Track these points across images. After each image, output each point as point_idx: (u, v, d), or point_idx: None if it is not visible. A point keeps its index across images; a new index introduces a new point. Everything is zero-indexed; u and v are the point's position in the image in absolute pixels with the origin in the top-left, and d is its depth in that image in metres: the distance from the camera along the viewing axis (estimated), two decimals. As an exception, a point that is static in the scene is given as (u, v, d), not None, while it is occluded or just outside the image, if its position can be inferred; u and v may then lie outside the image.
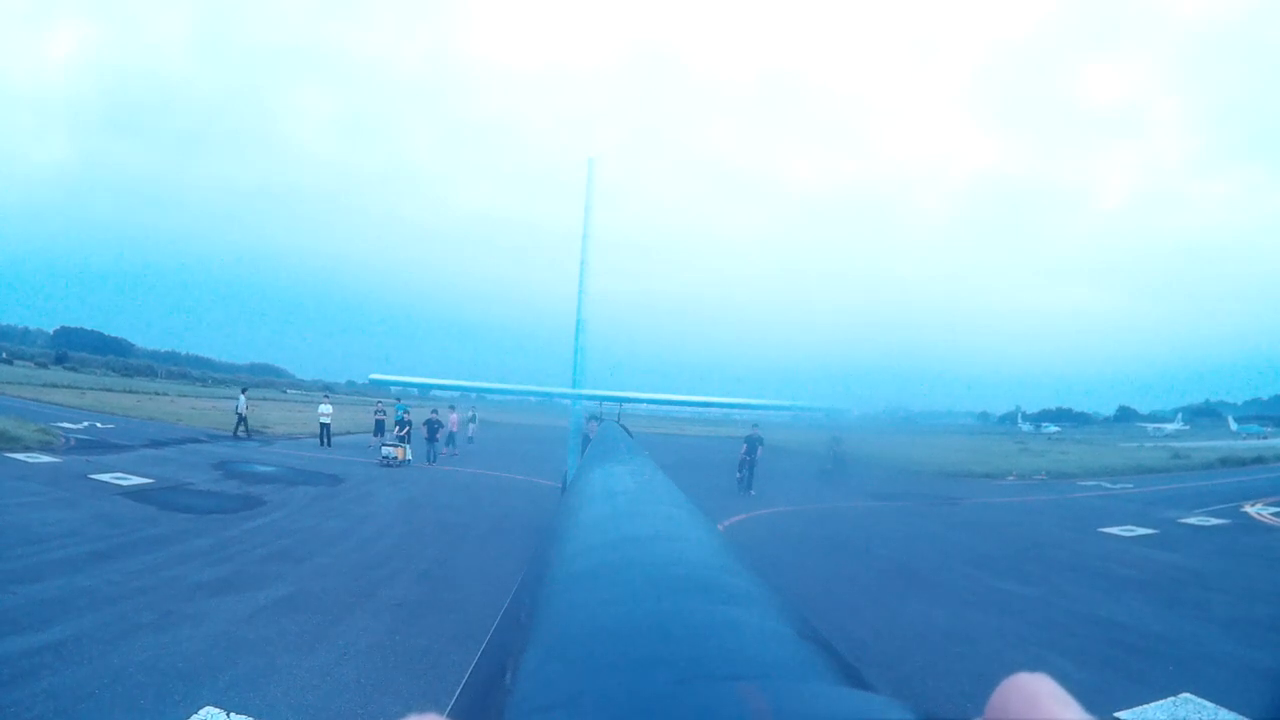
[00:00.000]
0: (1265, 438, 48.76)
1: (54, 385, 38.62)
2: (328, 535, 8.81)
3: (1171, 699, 4.81)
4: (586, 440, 8.51)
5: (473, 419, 26.43)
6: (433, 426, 18.46)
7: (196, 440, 19.28)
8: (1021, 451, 34.19)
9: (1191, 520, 13.69)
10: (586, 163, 11.95)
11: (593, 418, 10.09)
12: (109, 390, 41.54)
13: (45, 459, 13.05)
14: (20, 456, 12.93)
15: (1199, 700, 4.79)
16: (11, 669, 4.25)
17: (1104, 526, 12.76)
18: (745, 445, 16.27)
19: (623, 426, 8.37)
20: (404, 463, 17.16)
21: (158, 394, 43.25)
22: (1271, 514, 14.67)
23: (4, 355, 66.90)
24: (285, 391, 71.41)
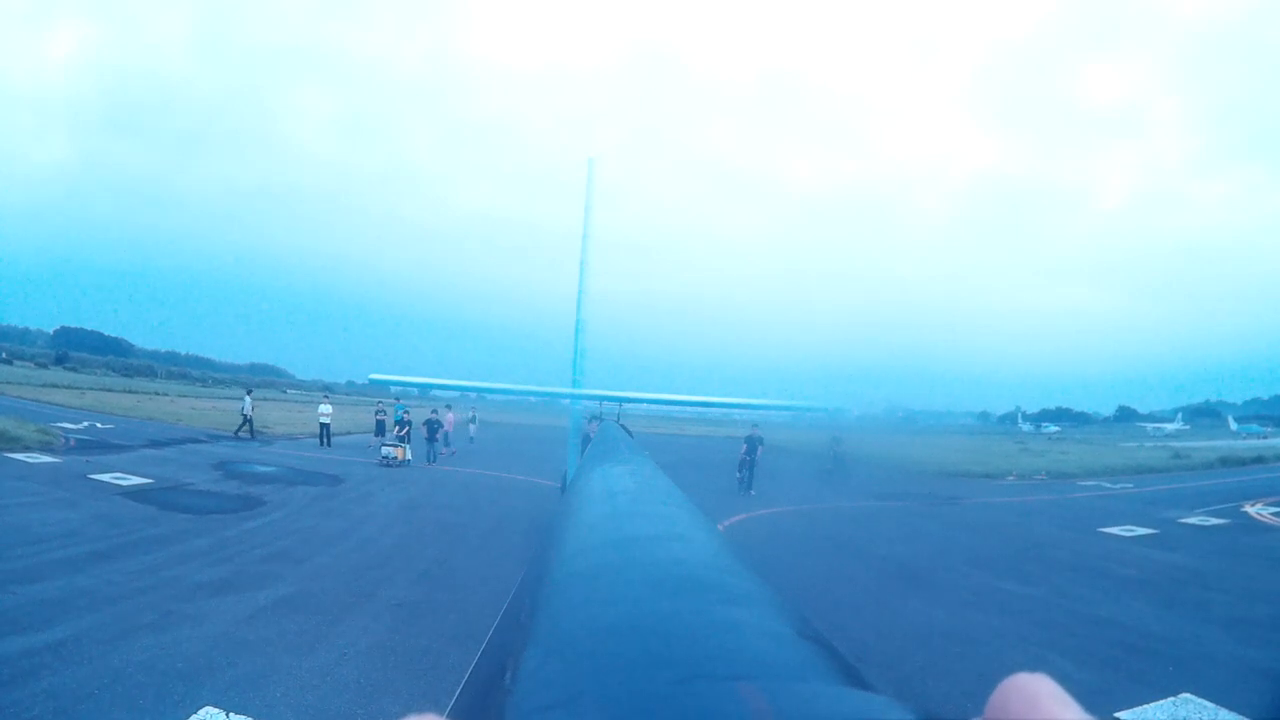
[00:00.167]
0: (1265, 437, 48.77)
1: (54, 385, 38.61)
2: (327, 535, 8.81)
3: (1171, 699, 4.81)
4: (587, 440, 8.51)
5: (473, 420, 26.44)
6: (432, 426, 18.46)
7: (196, 440, 19.28)
8: (1021, 451, 34.20)
9: (1191, 520, 13.69)
10: (586, 163, 11.95)
11: (594, 418, 10.08)
12: (109, 390, 41.53)
13: (45, 459, 13.05)
14: (20, 456, 12.92)
15: (1199, 700, 4.79)
16: (11, 669, 4.25)
17: (1104, 526, 12.76)
18: (745, 445, 16.27)
19: (622, 426, 8.37)
20: (404, 463, 17.16)
21: (157, 394, 43.25)
22: (1271, 514, 14.67)
23: (4, 355, 66.88)
24: (285, 391, 71.42)
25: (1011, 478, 23.08)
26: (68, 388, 38.27)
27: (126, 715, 3.86)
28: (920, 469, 23.35)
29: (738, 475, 16.33)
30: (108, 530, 8.03)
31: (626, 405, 9.59)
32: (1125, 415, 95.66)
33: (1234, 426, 62.74)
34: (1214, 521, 13.61)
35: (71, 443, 15.73)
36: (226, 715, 3.93)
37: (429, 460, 18.04)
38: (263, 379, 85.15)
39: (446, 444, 20.22)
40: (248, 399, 22.06)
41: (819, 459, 21.28)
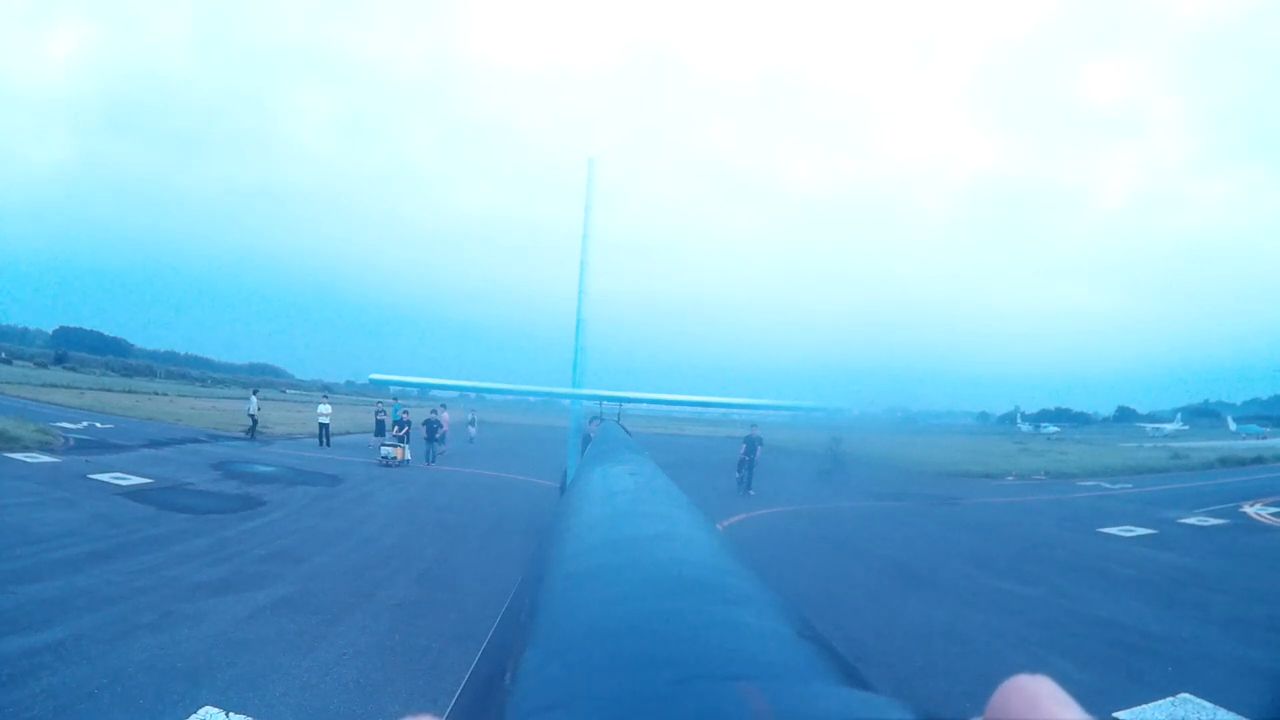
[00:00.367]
0: (1264, 438, 48.76)
1: (53, 385, 38.59)
2: (327, 535, 8.80)
3: (1170, 699, 4.81)
4: (587, 440, 8.50)
5: (472, 423, 26.46)
6: (432, 426, 18.45)
7: (196, 440, 19.26)
8: (1021, 451, 34.19)
9: (1191, 520, 13.70)
10: (586, 163, 11.95)
11: (595, 418, 10.07)
12: (108, 390, 41.50)
13: (44, 459, 13.04)
14: (19, 456, 12.91)
15: (1198, 700, 4.79)
16: (11, 669, 4.25)
17: (1103, 526, 12.77)
18: (744, 445, 16.26)
19: (622, 427, 8.36)
20: (403, 463, 17.15)
21: (157, 394, 43.22)
22: (1271, 514, 14.68)
23: (3, 355, 66.82)
24: (284, 391, 71.38)
25: (1011, 478, 23.09)
26: (67, 387, 38.25)
27: (126, 715, 3.86)
28: (920, 469, 23.35)
29: (737, 475, 16.33)
30: (107, 530, 8.03)
31: (626, 405, 9.58)
32: (1124, 415, 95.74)
33: (1233, 427, 62.75)
34: (1213, 522, 13.61)
35: (71, 442, 15.72)
36: (226, 715, 3.93)
37: (428, 460, 18.02)
38: (262, 379, 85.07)
39: (442, 443, 20.23)
40: (254, 399, 22.08)
41: (818, 459, 21.26)
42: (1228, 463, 28.30)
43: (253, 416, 21.49)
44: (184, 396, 44.42)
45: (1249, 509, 15.42)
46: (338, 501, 11.39)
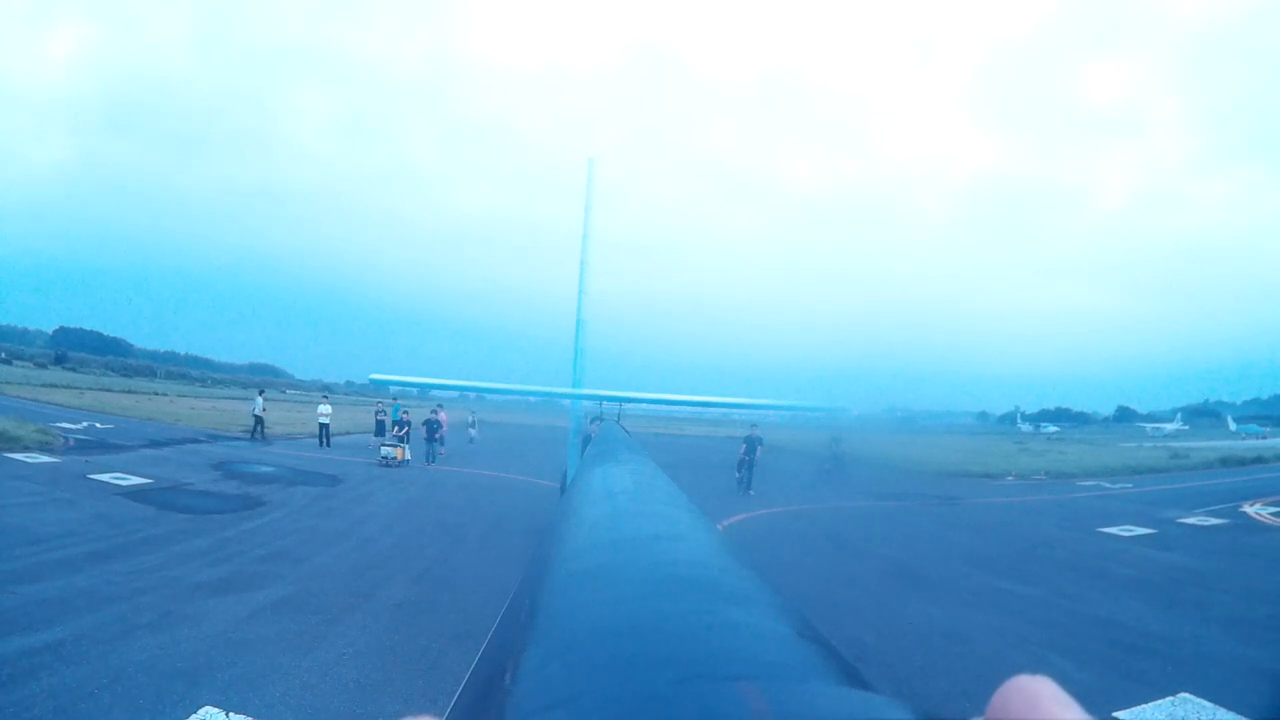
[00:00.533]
0: (1264, 438, 48.77)
1: (53, 385, 38.59)
2: (326, 535, 8.80)
3: (1170, 699, 4.81)
4: (587, 440, 8.51)
5: (473, 425, 26.49)
6: (431, 427, 18.44)
7: (195, 440, 19.26)
8: (1021, 451, 34.21)
9: (1190, 520, 13.70)
10: (586, 163, 11.98)
11: (595, 418, 10.09)
12: (108, 390, 41.49)
13: (44, 459, 13.04)
14: (19, 456, 12.91)
15: (1197, 700, 4.79)
16: (11, 669, 4.25)
17: (1103, 526, 12.77)
18: (744, 445, 16.27)
19: (622, 427, 8.37)
20: (403, 463, 17.15)
21: (156, 394, 43.22)
22: (1270, 514, 14.68)
23: (3, 355, 66.81)
24: (284, 392, 71.30)
25: (1011, 478, 23.09)
26: (67, 388, 38.25)
27: (126, 715, 3.86)
28: (919, 469, 23.35)
29: (737, 475, 16.33)
30: (107, 530, 8.02)
31: (626, 405, 9.59)
32: (1124, 415, 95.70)
33: (1233, 427, 62.75)
34: (1213, 521, 13.61)
35: (71, 443, 15.72)
36: (226, 715, 3.93)
37: (428, 460, 18.02)
38: (262, 379, 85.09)
39: (441, 444, 20.25)
40: (259, 400, 22.08)
41: (818, 459, 21.28)
42: (1228, 462, 28.30)
43: (258, 417, 21.49)
44: (184, 397, 44.42)
45: (1249, 509, 15.42)
46: (337, 502, 11.39)
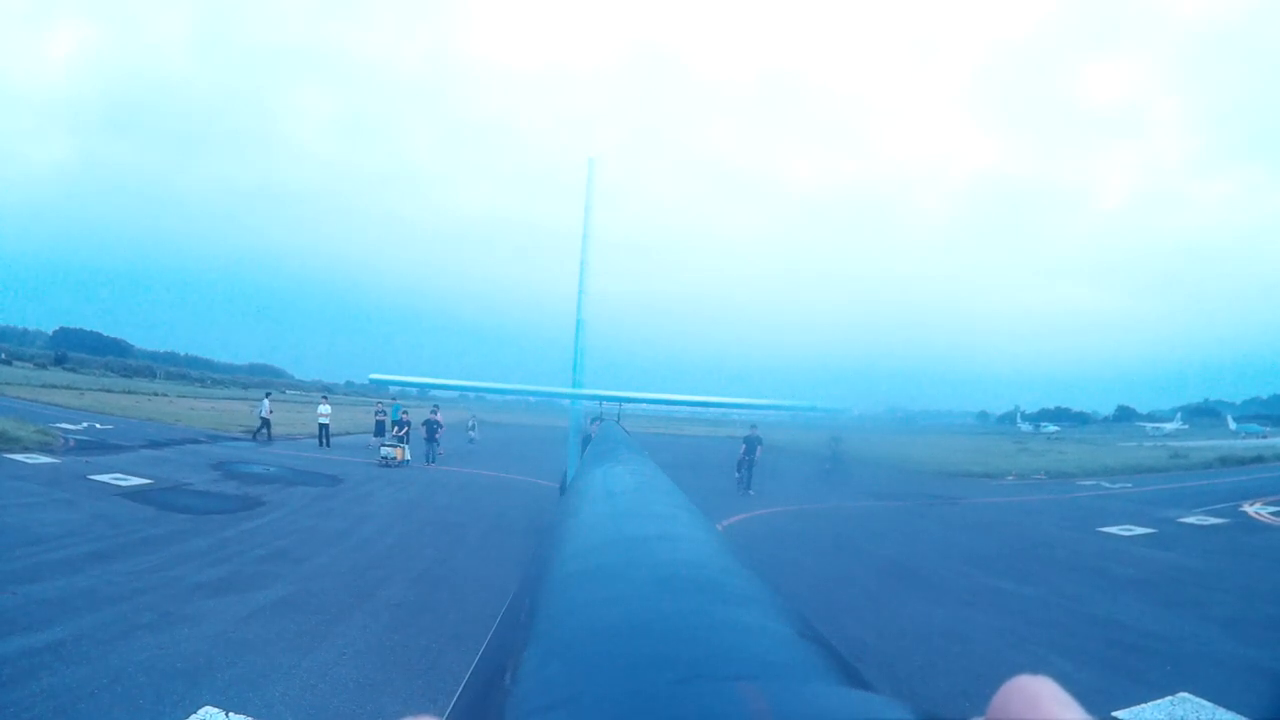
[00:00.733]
0: (1264, 437, 48.72)
1: (53, 386, 38.56)
2: (326, 536, 8.80)
3: (1169, 698, 4.81)
4: (587, 440, 8.51)
5: (473, 428, 26.52)
6: (431, 427, 18.44)
7: (195, 441, 19.26)
8: (1020, 451, 34.20)
9: (1190, 520, 13.70)
10: (586, 163, 11.94)
11: (595, 418, 10.09)
12: (108, 391, 41.46)
13: (44, 460, 13.03)
14: (19, 457, 12.91)
15: (1197, 699, 4.79)
16: (11, 669, 4.25)
17: (1102, 526, 12.77)
18: (744, 445, 16.27)
19: (621, 427, 8.37)
20: (403, 463, 17.14)
21: (156, 395, 43.21)
22: (1270, 513, 14.69)
23: (3, 356, 66.77)
24: (284, 392, 71.23)
25: (1010, 478, 23.09)
26: (67, 388, 38.22)
27: (126, 715, 3.86)
28: (919, 469, 23.37)
29: (736, 475, 16.34)
30: (107, 531, 8.02)
31: (626, 405, 9.59)
32: (1124, 415, 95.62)
33: (1233, 426, 62.72)
34: (1213, 521, 13.61)
35: (71, 443, 15.71)
36: (226, 715, 3.93)
37: (428, 461, 18.02)
38: (262, 379, 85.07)
39: (438, 444, 20.25)
40: (266, 401, 22.12)
41: (818, 459, 21.29)
42: (1227, 462, 28.29)
43: (265, 419, 21.52)
44: (184, 397, 44.39)
45: (1248, 508, 15.42)
46: (337, 502, 11.38)
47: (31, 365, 65.33)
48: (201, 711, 3.94)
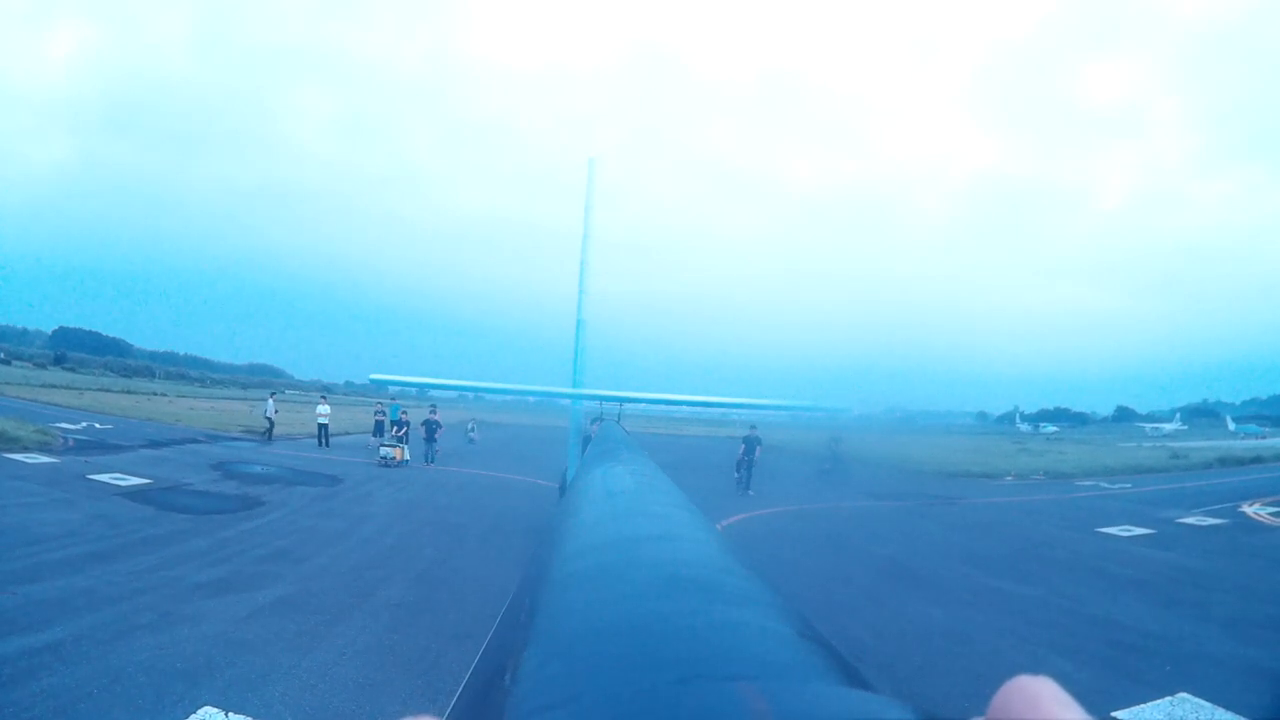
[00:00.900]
0: (1263, 438, 48.76)
1: (52, 386, 38.54)
2: (326, 536, 8.80)
3: (1169, 698, 4.81)
4: (587, 440, 8.51)
5: (472, 429, 26.54)
6: (431, 427, 18.44)
7: (195, 441, 19.25)
8: (1020, 451, 34.21)
9: (1189, 520, 13.71)
10: (587, 163, 11.95)
11: (595, 418, 10.08)
12: (107, 391, 41.45)
13: (44, 459, 13.02)
14: (19, 457, 12.90)
15: (1196, 700, 4.79)
16: (11, 669, 4.25)
17: (1102, 526, 12.78)
18: (744, 445, 16.27)
19: (621, 427, 8.37)
20: (402, 463, 17.14)
21: (156, 394, 43.19)
22: (1269, 514, 14.69)
23: (3, 355, 66.71)
24: (284, 392, 71.18)
25: (1010, 478, 23.10)
26: (66, 388, 38.20)
27: (126, 715, 3.86)
28: (919, 469, 23.36)
29: (736, 475, 16.34)
30: (106, 530, 8.02)
31: (626, 405, 9.59)
32: (1123, 415, 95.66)
33: (1232, 426, 62.77)
34: (1212, 521, 13.62)
35: (70, 443, 15.70)
36: (226, 715, 3.92)
37: (427, 461, 18.02)
38: (261, 379, 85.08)
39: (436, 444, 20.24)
40: (270, 402, 22.16)
41: (818, 459, 21.30)
42: (1226, 462, 28.30)
43: (270, 419, 21.56)
44: (183, 397, 44.39)
45: (1248, 509, 15.43)
46: (337, 502, 11.38)
47: (31, 365, 65.31)
48: (201, 711, 3.94)
